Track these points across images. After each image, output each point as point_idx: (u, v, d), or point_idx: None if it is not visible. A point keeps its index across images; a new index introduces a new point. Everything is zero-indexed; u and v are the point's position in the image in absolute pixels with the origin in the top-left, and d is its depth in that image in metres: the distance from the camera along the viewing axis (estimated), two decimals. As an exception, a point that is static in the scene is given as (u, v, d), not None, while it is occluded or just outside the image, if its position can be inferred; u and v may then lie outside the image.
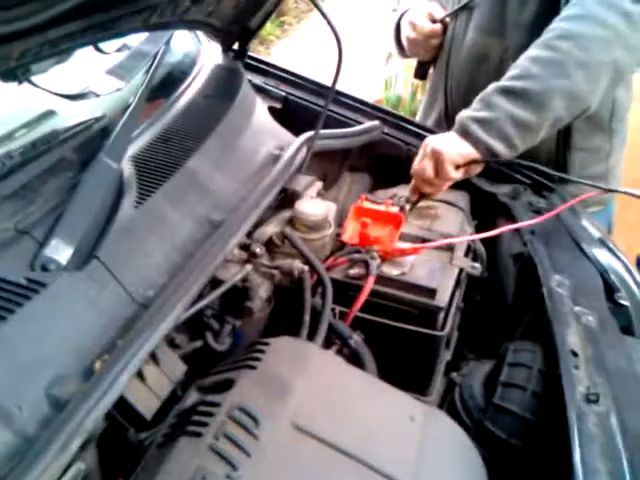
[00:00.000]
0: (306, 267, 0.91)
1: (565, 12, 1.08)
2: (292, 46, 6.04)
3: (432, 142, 1.10)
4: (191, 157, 0.98)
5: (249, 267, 0.87)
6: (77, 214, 0.76)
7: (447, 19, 1.36)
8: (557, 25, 1.08)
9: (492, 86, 1.09)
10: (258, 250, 0.91)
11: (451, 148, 1.08)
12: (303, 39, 5.98)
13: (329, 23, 1.05)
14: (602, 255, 1.09)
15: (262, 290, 0.87)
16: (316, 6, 1.07)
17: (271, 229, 0.99)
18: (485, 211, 1.25)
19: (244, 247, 0.93)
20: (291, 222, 1.02)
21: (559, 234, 1.14)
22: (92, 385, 0.58)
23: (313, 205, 1.02)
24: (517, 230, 1.16)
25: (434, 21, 1.37)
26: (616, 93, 1.29)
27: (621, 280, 1.06)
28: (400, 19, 1.47)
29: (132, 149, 0.94)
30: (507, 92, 1.07)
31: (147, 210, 0.84)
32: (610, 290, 1.03)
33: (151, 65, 1.07)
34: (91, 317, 0.69)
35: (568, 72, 1.05)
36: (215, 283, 0.83)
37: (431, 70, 1.52)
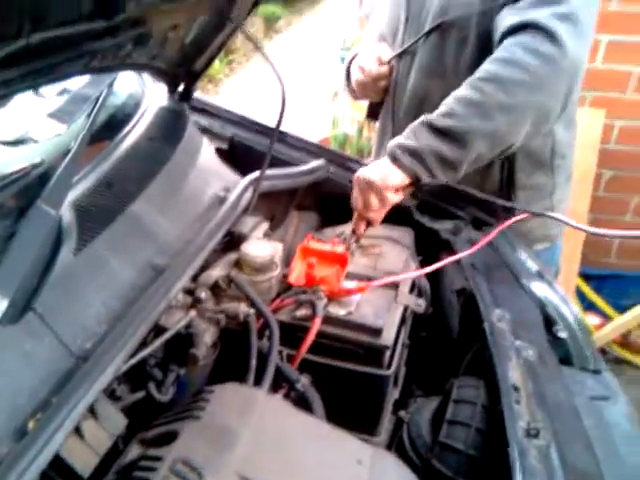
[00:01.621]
0: (252, 310, 0.91)
1: (493, 55, 1.14)
2: (241, 84, 6.10)
3: (366, 174, 1.16)
4: (134, 201, 0.97)
5: (193, 313, 0.86)
6: (13, 264, 0.74)
7: (394, 61, 1.41)
8: (485, 67, 1.13)
9: (421, 118, 1.15)
10: (203, 295, 0.90)
11: (385, 176, 1.15)
12: (252, 77, 6.06)
13: (272, 66, 1.07)
14: (540, 288, 1.12)
15: (207, 336, 0.86)
16: (257, 48, 1.09)
17: (217, 272, 0.98)
18: (429, 247, 1.28)
19: (189, 292, 0.93)
20: (237, 264, 1.02)
21: (499, 268, 1.18)
22: (25, 446, 0.56)
23: (259, 246, 1.03)
24: (459, 265, 1.19)
25: (382, 63, 1.42)
26: (556, 132, 1.35)
27: (558, 312, 1.10)
28: (350, 63, 1.52)
29: (72, 194, 0.92)
30: (433, 128, 1.12)
31: (87, 257, 0.82)
32: (549, 323, 1.07)
33: (93, 108, 1.06)
34: (26, 373, 0.66)
35: (490, 114, 1.09)
36: (158, 330, 0.82)
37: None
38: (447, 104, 1.14)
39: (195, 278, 0.95)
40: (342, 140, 3.73)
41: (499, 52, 1.13)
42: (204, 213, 1.06)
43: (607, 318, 2.57)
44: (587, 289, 2.56)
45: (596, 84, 2.32)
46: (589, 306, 2.59)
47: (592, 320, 2.54)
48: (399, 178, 1.14)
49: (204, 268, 0.97)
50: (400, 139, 1.15)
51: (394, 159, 1.14)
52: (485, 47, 1.21)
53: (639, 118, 2.39)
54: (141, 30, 0.89)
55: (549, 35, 1.08)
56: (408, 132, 1.16)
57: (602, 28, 2.24)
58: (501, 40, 1.14)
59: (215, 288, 0.97)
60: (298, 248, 1.12)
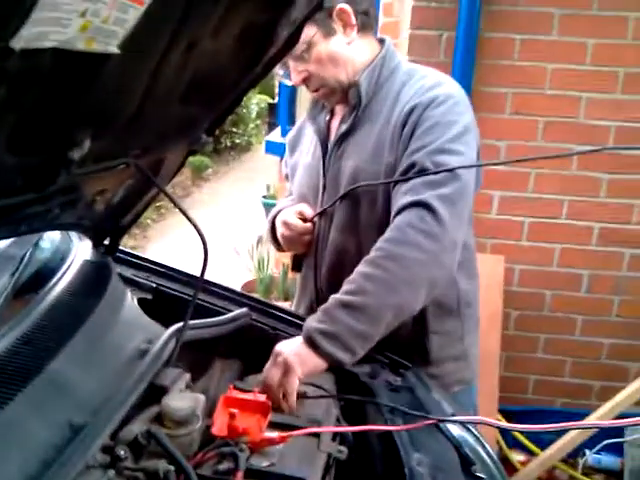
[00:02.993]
0: (172, 467, 0.90)
1: (388, 234, 1.30)
2: (170, 230, 6.22)
3: (284, 352, 1.20)
4: (54, 358, 0.97)
5: (111, 473, 0.84)
6: None
7: (315, 219, 1.56)
8: (383, 246, 1.28)
9: (333, 299, 1.25)
10: (122, 453, 0.89)
11: (301, 362, 1.19)
12: (181, 223, 6.21)
13: (192, 223, 1.14)
14: (456, 429, 1.17)
15: (124, 497, 0.84)
16: (179, 208, 1.17)
17: (137, 428, 0.97)
18: (350, 391, 1.31)
19: (107, 449, 0.90)
20: (158, 418, 1.01)
21: (416, 411, 1.22)
22: None
23: (180, 399, 1.03)
24: (379, 409, 1.23)
25: (305, 220, 1.55)
26: (459, 282, 1.49)
27: (475, 452, 1.14)
28: (274, 219, 1.66)
29: (-9, 353, 0.92)
30: (347, 306, 1.22)
31: (4, 420, 0.80)
32: (466, 463, 1.11)
33: (17, 267, 1.09)
34: None
35: (396, 289, 1.24)
36: (73, 493, 0.79)
37: None
38: (355, 282, 1.25)
39: (114, 435, 0.94)
40: (268, 283, 3.83)
41: (393, 232, 1.30)
42: (125, 367, 1.07)
43: (532, 454, 2.61)
44: (509, 426, 2.61)
45: (494, 232, 2.59)
46: (514, 443, 2.64)
47: (517, 457, 2.58)
48: (313, 365, 1.20)
49: (124, 424, 0.96)
50: (314, 323, 1.23)
51: (313, 345, 1.20)
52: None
53: (535, 263, 2.64)
54: (70, 197, 0.96)
55: (433, 214, 1.27)
56: (323, 316, 1.23)
57: (494, 185, 2.55)
58: (396, 214, 1.32)
59: (135, 444, 0.95)
60: (221, 398, 1.13)
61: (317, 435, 1.09)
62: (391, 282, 1.24)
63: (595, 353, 2.74)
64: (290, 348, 1.22)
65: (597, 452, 2.61)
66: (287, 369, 1.18)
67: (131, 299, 1.34)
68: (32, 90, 0.65)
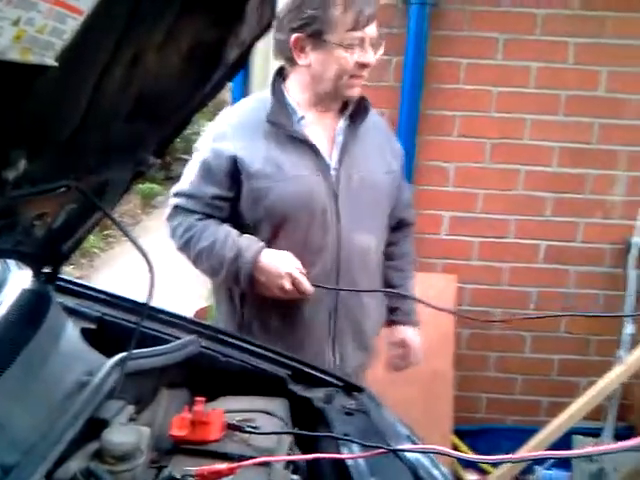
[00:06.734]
0: (112, 509, 0.84)
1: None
2: (117, 259, 6.04)
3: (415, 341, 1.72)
4: (-16, 393, 0.91)
5: (45, 516, 0.78)
6: None
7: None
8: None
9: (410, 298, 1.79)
10: (58, 493, 0.83)
11: None
12: (129, 252, 6.06)
13: (135, 244, 1.10)
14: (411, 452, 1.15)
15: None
16: (124, 232, 1.14)
17: (75, 465, 0.91)
18: (303, 417, 1.28)
19: (42, 491, 0.85)
20: (98, 454, 0.96)
21: (371, 434, 1.20)
22: None
23: (122, 433, 0.98)
24: (331, 433, 1.20)
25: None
26: None
27: (430, 475, 1.12)
28: (256, 258, 1.67)
29: None
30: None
31: None
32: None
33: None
34: None
35: None
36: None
37: None
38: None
39: (50, 474, 0.88)
40: (220, 310, 3.74)
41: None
42: (63, 401, 1.00)
43: (485, 473, 2.62)
44: (463, 446, 2.62)
45: (444, 252, 2.62)
46: (467, 463, 2.64)
47: (471, 477, 2.58)
48: None
49: (61, 462, 0.90)
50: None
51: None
52: None
53: (486, 282, 2.68)
54: (6, 221, 0.91)
55: None
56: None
57: (444, 206, 2.59)
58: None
59: (73, 483, 0.90)
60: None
61: (268, 464, 1.05)
62: None
63: (545, 370, 2.78)
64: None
65: (547, 468, 2.64)
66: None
67: (72, 329, 1.28)
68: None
